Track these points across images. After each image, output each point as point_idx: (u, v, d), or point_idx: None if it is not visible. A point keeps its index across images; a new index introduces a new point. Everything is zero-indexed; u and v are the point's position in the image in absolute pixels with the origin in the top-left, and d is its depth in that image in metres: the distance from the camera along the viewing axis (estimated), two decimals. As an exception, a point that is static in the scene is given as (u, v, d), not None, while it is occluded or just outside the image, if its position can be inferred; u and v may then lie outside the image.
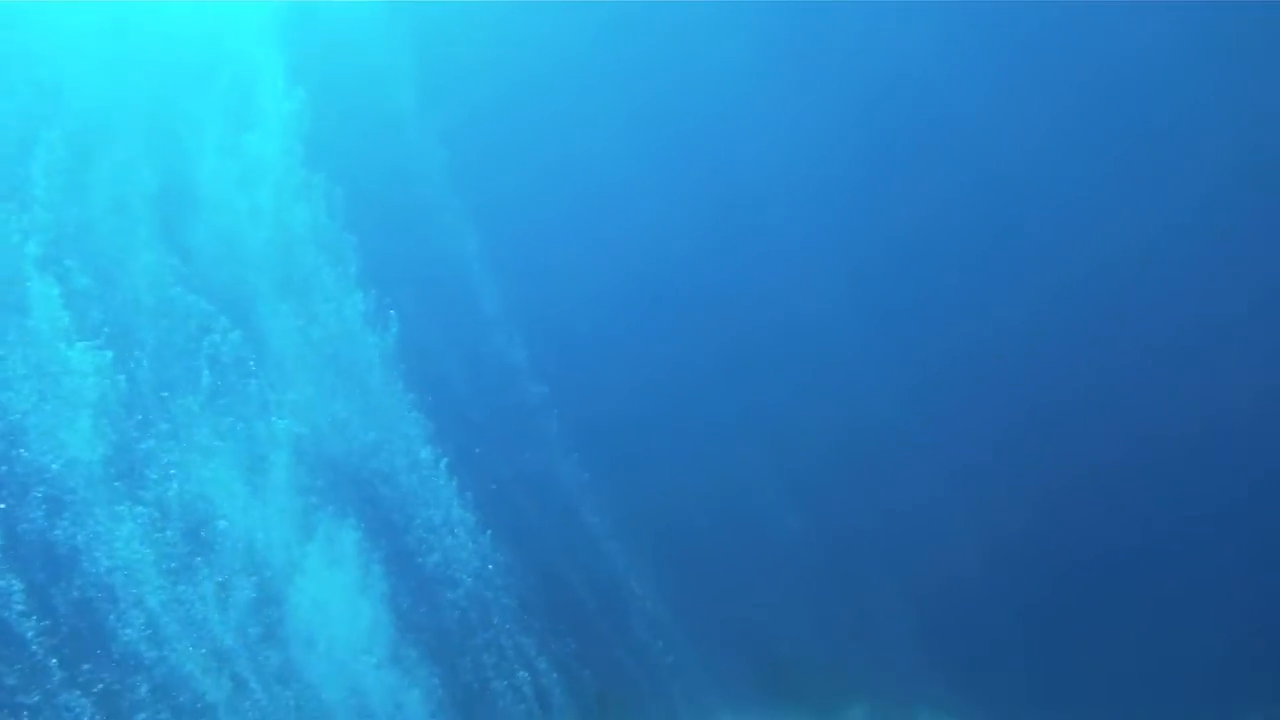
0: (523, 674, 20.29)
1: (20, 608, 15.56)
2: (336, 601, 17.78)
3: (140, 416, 17.54)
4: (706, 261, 33.98)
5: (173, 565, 17.04)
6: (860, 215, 30.36)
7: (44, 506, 16.16)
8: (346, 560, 18.29)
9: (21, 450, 16.08)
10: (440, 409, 21.97)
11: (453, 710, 18.33)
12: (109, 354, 17.42)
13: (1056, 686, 21.81)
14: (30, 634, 15.67)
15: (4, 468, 16.07)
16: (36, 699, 15.50)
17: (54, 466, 16.24)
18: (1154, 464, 28.97)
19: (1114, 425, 30.69)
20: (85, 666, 15.85)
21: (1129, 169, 31.71)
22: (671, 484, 35.84)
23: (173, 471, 17.58)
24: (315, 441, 19.05)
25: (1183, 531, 26.59)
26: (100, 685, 15.78)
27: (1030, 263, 28.28)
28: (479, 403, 26.39)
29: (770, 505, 34.69)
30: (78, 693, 15.59)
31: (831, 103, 29.28)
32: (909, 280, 31.98)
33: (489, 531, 20.99)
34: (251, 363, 19.25)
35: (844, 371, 35.30)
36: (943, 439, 32.61)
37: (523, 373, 29.94)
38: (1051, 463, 31.80)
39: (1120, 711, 20.27)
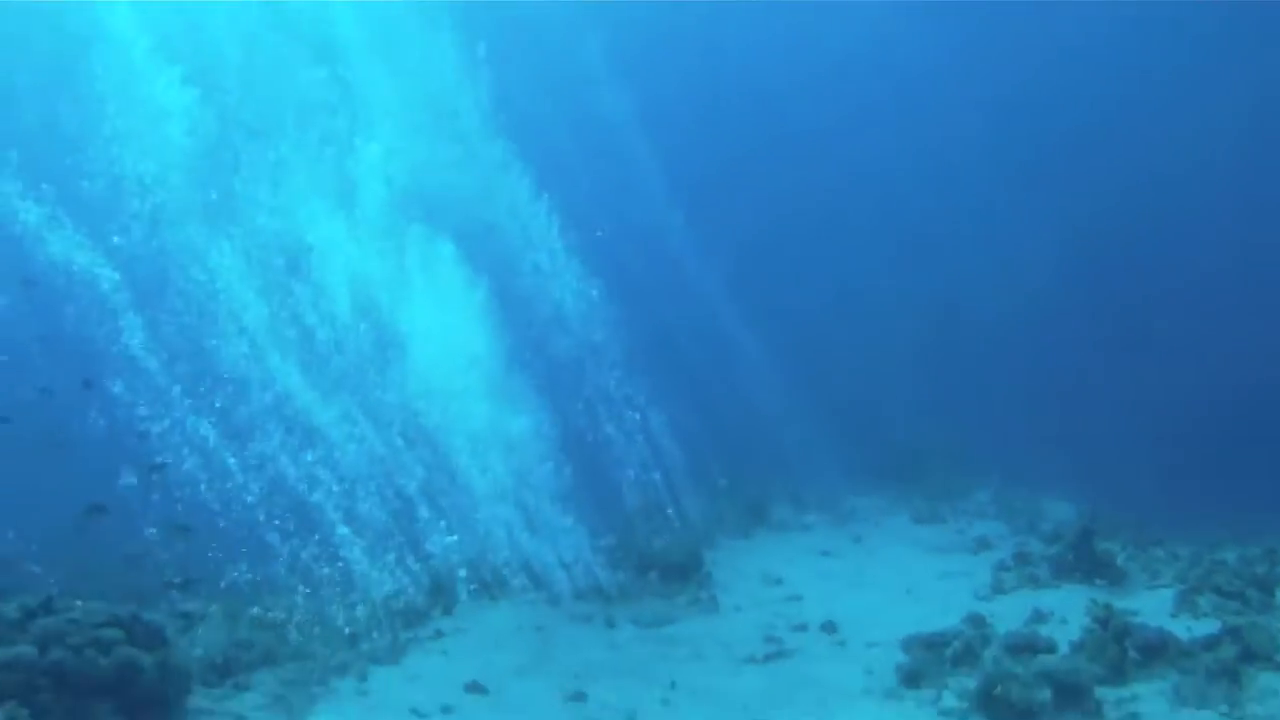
0: (632, 415, 19.79)
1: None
2: (440, 328, 17.36)
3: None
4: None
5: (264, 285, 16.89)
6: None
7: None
8: (450, 288, 17.82)
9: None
10: (544, 161, 21.03)
11: (561, 445, 17.97)
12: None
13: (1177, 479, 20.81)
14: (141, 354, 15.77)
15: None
16: (166, 424, 15.60)
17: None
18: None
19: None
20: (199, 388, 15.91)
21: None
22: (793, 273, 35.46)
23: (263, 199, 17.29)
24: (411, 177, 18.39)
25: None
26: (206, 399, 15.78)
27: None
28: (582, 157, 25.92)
29: (901, 291, 34.23)
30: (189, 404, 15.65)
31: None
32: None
33: (597, 282, 20.19)
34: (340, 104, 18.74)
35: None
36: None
37: (629, 128, 29.19)
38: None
39: (1237, 499, 19.16)
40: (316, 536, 15.61)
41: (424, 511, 16.78)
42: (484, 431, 17.09)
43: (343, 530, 15.83)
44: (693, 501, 21.12)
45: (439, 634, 15.45)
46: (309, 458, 15.95)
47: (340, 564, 15.78)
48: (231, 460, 15.59)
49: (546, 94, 26.34)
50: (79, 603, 11.63)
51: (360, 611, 15.18)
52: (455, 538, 16.75)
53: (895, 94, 37.49)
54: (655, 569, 17.47)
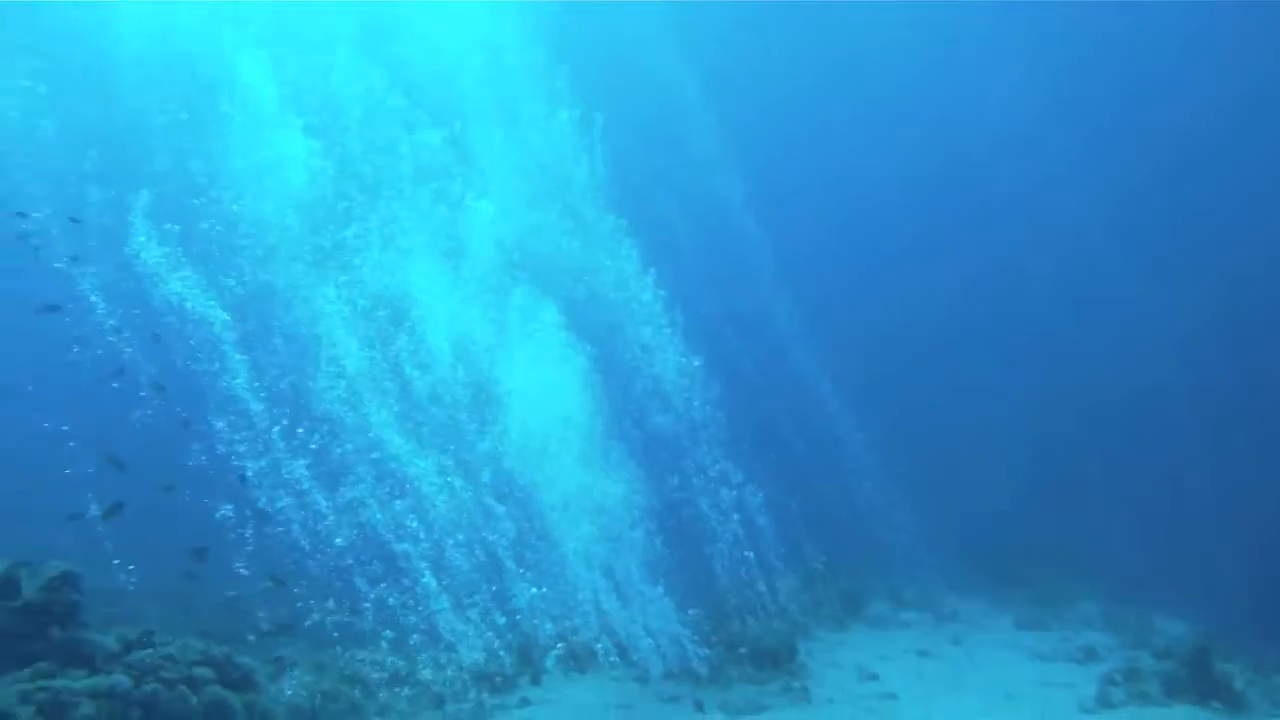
0: (728, 493, 19.33)
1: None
2: (538, 390, 17.27)
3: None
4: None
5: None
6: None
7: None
8: (551, 352, 17.77)
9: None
10: (653, 236, 21.05)
11: (651, 515, 17.61)
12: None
13: None
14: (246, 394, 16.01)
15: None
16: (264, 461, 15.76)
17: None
18: None
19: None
20: (298, 430, 16.05)
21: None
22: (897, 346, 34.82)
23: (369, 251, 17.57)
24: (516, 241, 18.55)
25: None
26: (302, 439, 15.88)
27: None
28: (691, 238, 25.94)
29: (1001, 389, 33.41)
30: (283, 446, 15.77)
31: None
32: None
33: (699, 359, 19.95)
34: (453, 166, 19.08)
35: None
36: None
37: (738, 210, 29.24)
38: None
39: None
40: (407, 590, 15.52)
41: (513, 570, 16.52)
42: (576, 494, 16.80)
43: (431, 583, 15.69)
44: (787, 585, 20.44)
45: (525, 702, 15.37)
46: (399, 506, 15.88)
47: (430, 621, 15.70)
48: (323, 503, 15.59)
49: (660, 170, 26.51)
50: (176, 640, 11.92)
51: (448, 673, 15.18)
52: (543, 590, 16.40)
53: (1026, 185, 36.96)
54: (746, 653, 16.94)
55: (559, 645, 16.67)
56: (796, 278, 29.32)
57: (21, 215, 16.46)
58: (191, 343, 16.04)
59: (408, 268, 17.59)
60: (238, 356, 16.12)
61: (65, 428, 18.43)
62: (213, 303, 16.13)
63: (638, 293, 20.08)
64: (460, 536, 16.29)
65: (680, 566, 18.05)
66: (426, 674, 15.17)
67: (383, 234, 17.75)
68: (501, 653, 16.15)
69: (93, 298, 16.60)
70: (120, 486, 16.00)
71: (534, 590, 16.50)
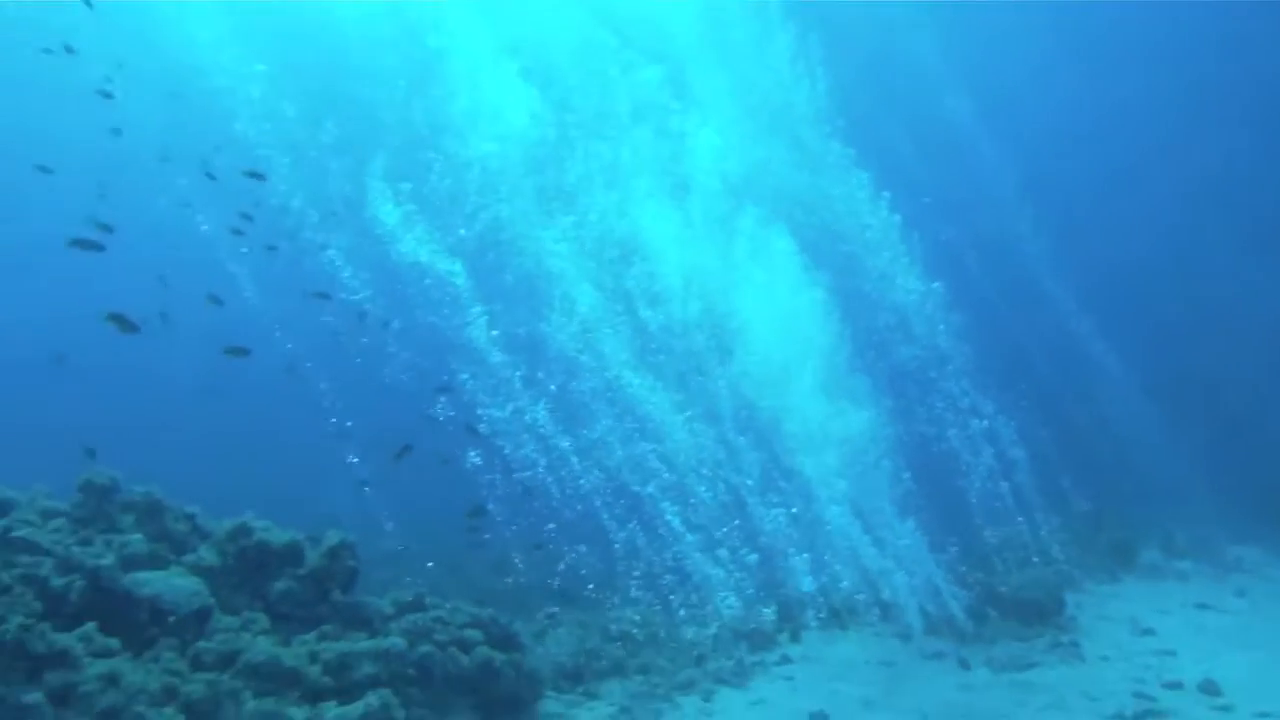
0: (977, 422, 18.15)
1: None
2: (775, 322, 16.60)
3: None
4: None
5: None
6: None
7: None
8: (787, 284, 17.06)
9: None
10: (882, 163, 19.94)
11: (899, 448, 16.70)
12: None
13: None
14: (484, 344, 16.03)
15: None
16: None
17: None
18: None
19: None
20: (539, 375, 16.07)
21: None
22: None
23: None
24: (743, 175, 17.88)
25: None
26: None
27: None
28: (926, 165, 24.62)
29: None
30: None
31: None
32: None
33: (938, 283, 18.79)
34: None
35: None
36: None
37: (972, 130, 27.45)
38: None
39: None
40: (655, 533, 15.29)
41: (762, 514, 15.99)
42: (819, 425, 16.05)
43: (689, 539, 15.38)
44: (1050, 529, 19.01)
45: (786, 659, 14.79)
46: (644, 448, 15.59)
47: (684, 571, 15.49)
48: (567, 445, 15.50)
49: (883, 93, 25.22)
50: (446, 602, 12.25)
51: (709, 630, 14.93)
52: (794, 510, 15.78)
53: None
54: (1011, 606, 15.84)
55: (819, 601, 15.94)
56: (1039, 198, 27.38)
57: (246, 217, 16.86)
58: (430, 297, 16.22)
59: (636, 205, 17.18)
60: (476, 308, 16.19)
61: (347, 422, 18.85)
62: (446, 256, 16.28)
63: (871, 220, 19.08)
64: (704, 473, 15.83)
65: (931, 504, 17.05)
66: (688, 632, 14.90)
67: (608, 173, 17.41)
68: (762, 609, 15.62)
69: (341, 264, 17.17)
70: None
71: (784, 511, 15.82)
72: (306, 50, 24.43)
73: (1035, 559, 17.96)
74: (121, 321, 11.30)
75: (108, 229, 12.81)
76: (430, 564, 16.87)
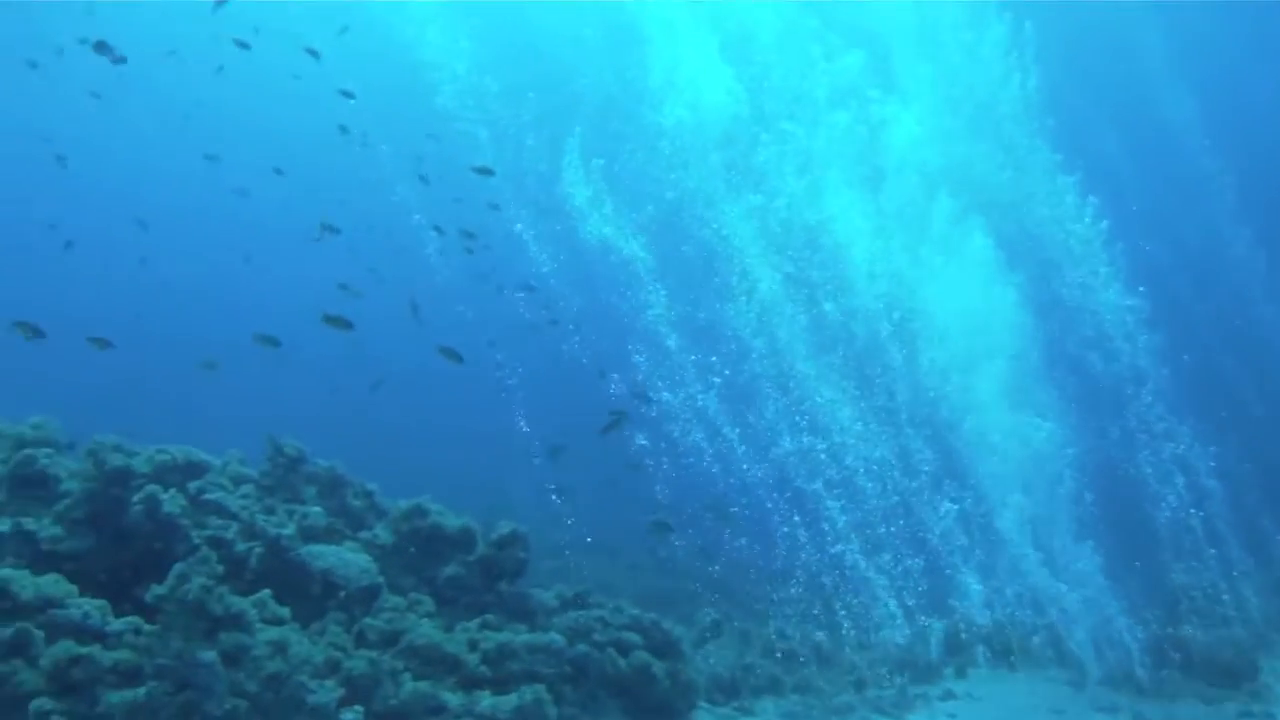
0: (1170, 447, 16.91)
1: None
2: (964, 320, 15.89)
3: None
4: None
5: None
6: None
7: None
8: (979, 282, 16.31)
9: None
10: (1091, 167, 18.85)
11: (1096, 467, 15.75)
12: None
13: None
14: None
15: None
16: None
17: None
18: None
19: None
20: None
21: None
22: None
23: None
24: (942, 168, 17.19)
25: None
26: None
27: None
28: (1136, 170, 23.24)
29: None
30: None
31: None
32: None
33: (1138, 298, 17.62)
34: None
35: None
36: None
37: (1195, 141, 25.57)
38: None
39: None
40: (828, 550, 14.77)
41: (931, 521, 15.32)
42: (1000, 434, 15.28)
43: (853, 543, 14.80)
44: (1242, 571, 17.55)
45: (949, 695, 14.01)
46: (812, 441, 15.11)
47: (855, 599, 14.90)
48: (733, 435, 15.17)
49: (1097, 91, 23.86)
50: (610, 602, 12.14)
51: (870, 655, 14.43)
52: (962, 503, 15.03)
53: None
54: (1198, 662, 14.56)
55: (989, 635, 15.12)
56: (1260, 216, 25.36)
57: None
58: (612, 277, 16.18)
59: (825, 191, 16.72)
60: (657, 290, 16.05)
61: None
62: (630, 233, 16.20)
63: (1074, 226, 18.04)
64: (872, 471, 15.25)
65: (1113, 531, 15.95)
66: (850, 656, 14.34)
67: (800, 156, 17.01)
68: (928, 633, 14.98)
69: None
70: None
71: (955, 521, 15.09)
72: (507, 20, 24.78)
73: (1226, 606, 16.49)
74: (337, 321, 11.66)
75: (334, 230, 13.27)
76: (589, 539, 16.73)
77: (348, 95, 17.47)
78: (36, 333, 11.07)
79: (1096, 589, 15.02)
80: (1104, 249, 17.86)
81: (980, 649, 15.16)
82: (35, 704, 7.26)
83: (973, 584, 15.31)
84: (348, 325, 11.69)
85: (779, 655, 14.20)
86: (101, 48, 11.53)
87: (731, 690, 13.05)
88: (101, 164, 38.71)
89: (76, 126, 35.91)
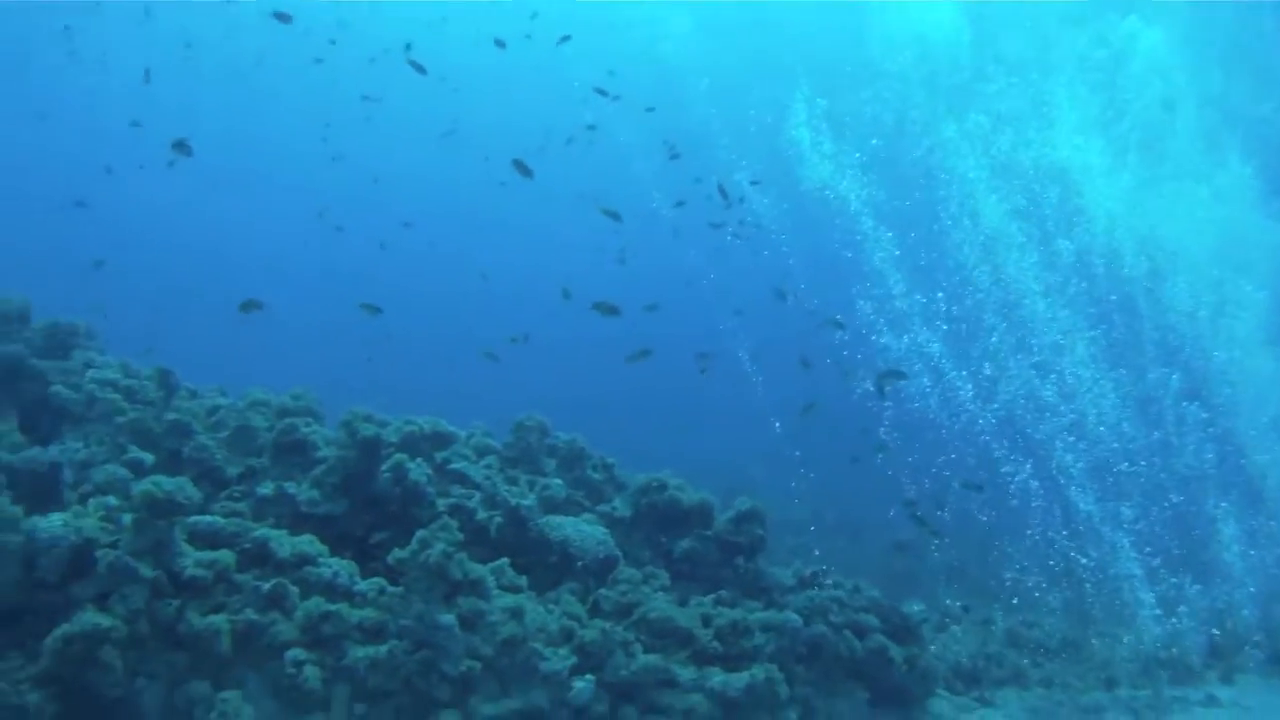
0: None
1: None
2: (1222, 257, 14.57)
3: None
4: None
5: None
6: None
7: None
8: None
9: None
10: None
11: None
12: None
13: None
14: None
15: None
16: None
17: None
18: None
19: None
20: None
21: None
22: None
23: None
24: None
25: None
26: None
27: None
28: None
29: None
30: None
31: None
32: None
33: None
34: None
35: None
36: None
37: None
38: None
39: None
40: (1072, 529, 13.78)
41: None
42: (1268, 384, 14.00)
43: (1120, 541, 13.73)
44: None
45: (1211, 700, 12.74)
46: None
47: (1110, 590, 13.78)
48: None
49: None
50: (846, 582, 11.94)
51: (1124, 651, 13.30)
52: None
53: None
54: None
55: (1259, 642, 13.73)
56: None
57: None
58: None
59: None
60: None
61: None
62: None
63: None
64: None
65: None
66: (1098, 647, 13.40)
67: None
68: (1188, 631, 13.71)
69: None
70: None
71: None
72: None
73: None
74: (604, 308, 12.07)
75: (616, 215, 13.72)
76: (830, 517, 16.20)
77: (602, 93, 17.81)
78: (376, 310, 12.58)
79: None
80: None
81: (1252, 652, 13.77)
82: (290, 653, 7.76)
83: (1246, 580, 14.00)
84: (615, 311, 12.01)
85: (1023, 647, 13.53)
86: (181, 146, 12.45)
87: (973, 679, 12.61)
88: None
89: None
